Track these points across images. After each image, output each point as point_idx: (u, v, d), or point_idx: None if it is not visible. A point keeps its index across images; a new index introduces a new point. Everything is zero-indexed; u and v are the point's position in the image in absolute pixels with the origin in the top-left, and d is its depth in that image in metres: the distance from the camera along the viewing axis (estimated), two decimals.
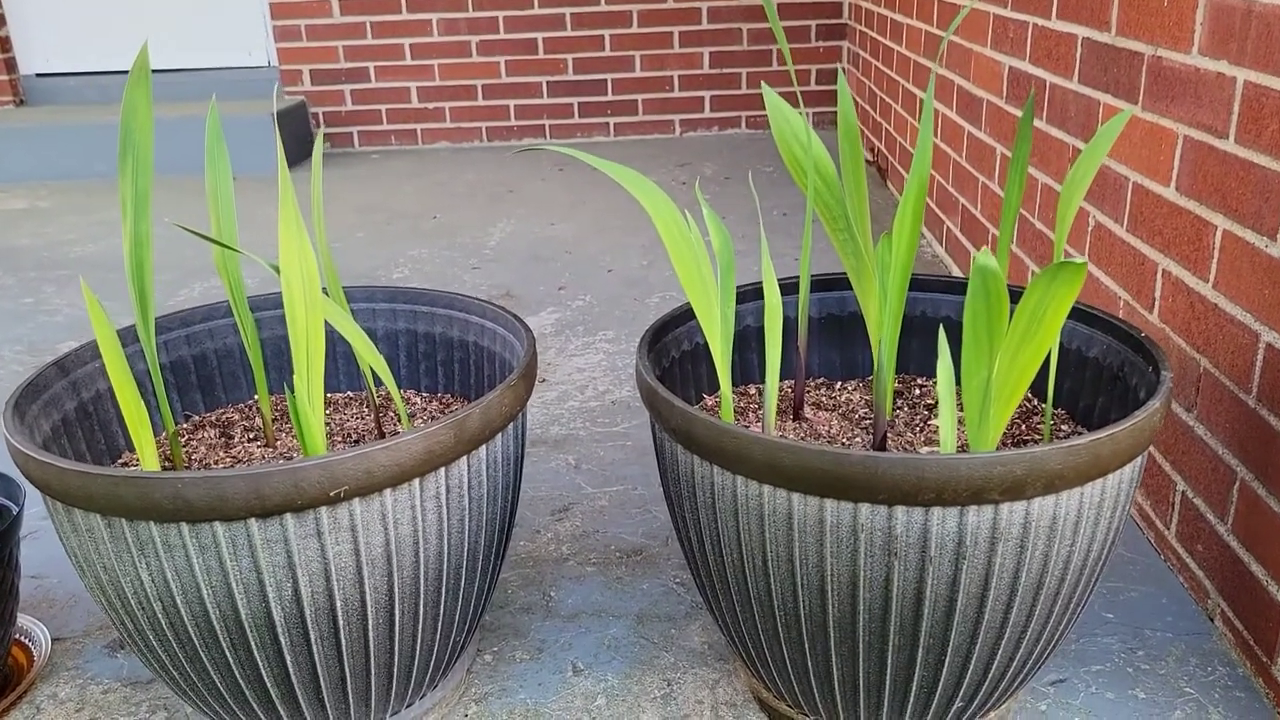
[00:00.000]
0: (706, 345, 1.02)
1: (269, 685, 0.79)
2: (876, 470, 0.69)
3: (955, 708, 0.82)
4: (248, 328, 0.95)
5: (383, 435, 0.97)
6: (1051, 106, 1.48)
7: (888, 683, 0.79)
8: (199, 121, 3.10)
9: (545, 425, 1.50)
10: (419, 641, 0.83)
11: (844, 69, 3.41)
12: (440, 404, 1.06)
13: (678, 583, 1.12)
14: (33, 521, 1.28)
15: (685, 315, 1.00)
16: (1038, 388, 1.01)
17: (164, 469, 0.94)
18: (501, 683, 0.97)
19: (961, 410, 0.95)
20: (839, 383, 1.09)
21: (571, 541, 1.20)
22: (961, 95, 1.98)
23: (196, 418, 1.04)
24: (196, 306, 1.03)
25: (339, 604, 0.76)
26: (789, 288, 1.05)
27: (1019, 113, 1.63)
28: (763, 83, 1.01)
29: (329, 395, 1.09)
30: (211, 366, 1.04)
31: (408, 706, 0.89)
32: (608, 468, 1.37)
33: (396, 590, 0.79)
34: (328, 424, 1.03)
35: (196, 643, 0.76)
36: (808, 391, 1.07)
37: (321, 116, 3.45)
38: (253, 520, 0.71)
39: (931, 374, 1.08)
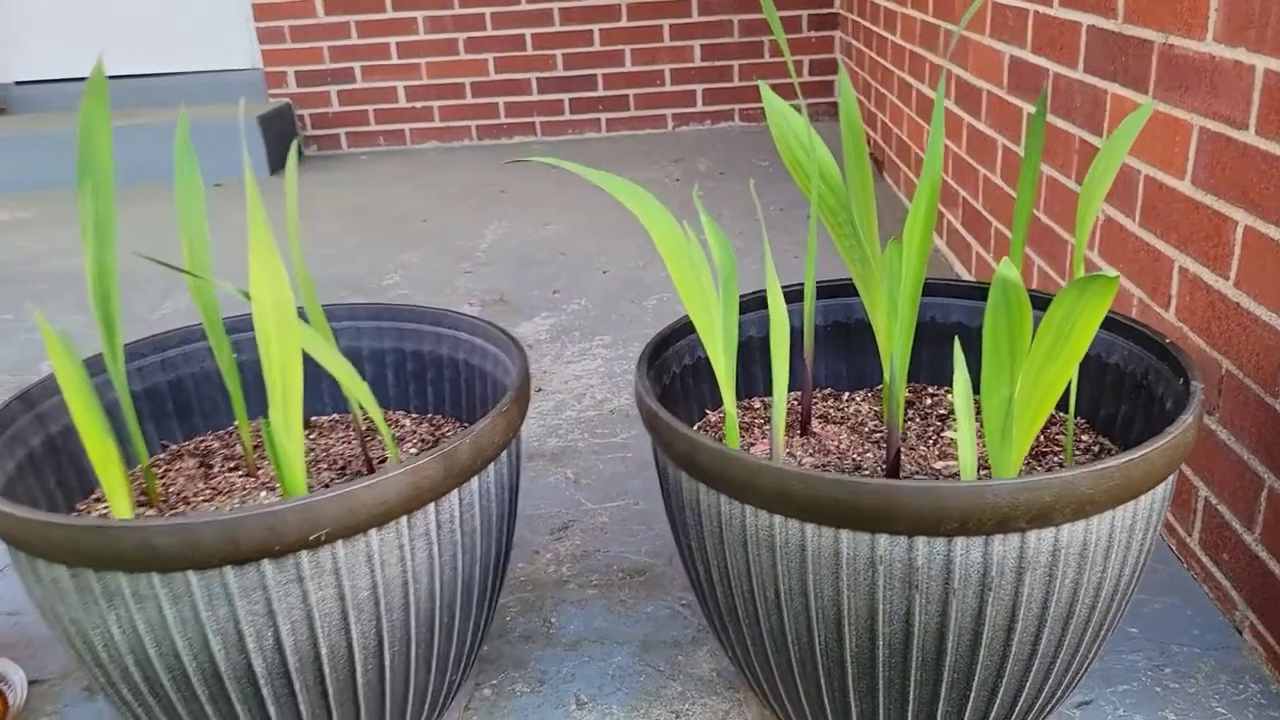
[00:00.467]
0: (708, 359, 0.97)
1: None
2: (896, 500, 0.64)
3: None
4: (224, 354, 0.90)
5: (369, 462, 0.92)
6: (1056, 97, 1.43)
7: (909, 718, 0.75)
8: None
9: (542, 437, 1.45)
10: (411, 685, 0.79)
11: (841, 60, 3.36)
12: (431, 426, 1.01)
13: (683, 604, 1.07)
14: (7, 555, 1.23)
15: (685, 328, 0.95)
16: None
17: (140, 503, 0.89)
18: (501, 719, 0.93)
19: (980, 428, 0.91)
20: (846, 393, 1.04)
21: (572, 562, 1.16)
22: (960, 85, 1.93)
23: (174, 447, 0.99)
24: (171, 330, 0.98)
25: (324, 651, 0.72)
26: (792, 295, 1.00)
27: (1020, 102, 1.59)
28: (759, 80, 0.96)
29: (313, 419, 1.04)
30: (189, 392, 0.99)
31: None
32: (608, 482, 1.33)
33: (385, 634, 0.74)
34: (311, 450, 0.98)
35: (173, 696, 0.72)
36: (815, 403, 1.02)
37: (308, 119, 3.39)
38: (228, 568, 0.67)
39: (943, 382, 1.04)
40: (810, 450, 0.93)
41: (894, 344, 0.81)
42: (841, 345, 1.04)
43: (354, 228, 2.56)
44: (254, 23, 3.30)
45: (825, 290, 1.03)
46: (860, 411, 1.00)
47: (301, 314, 0.94)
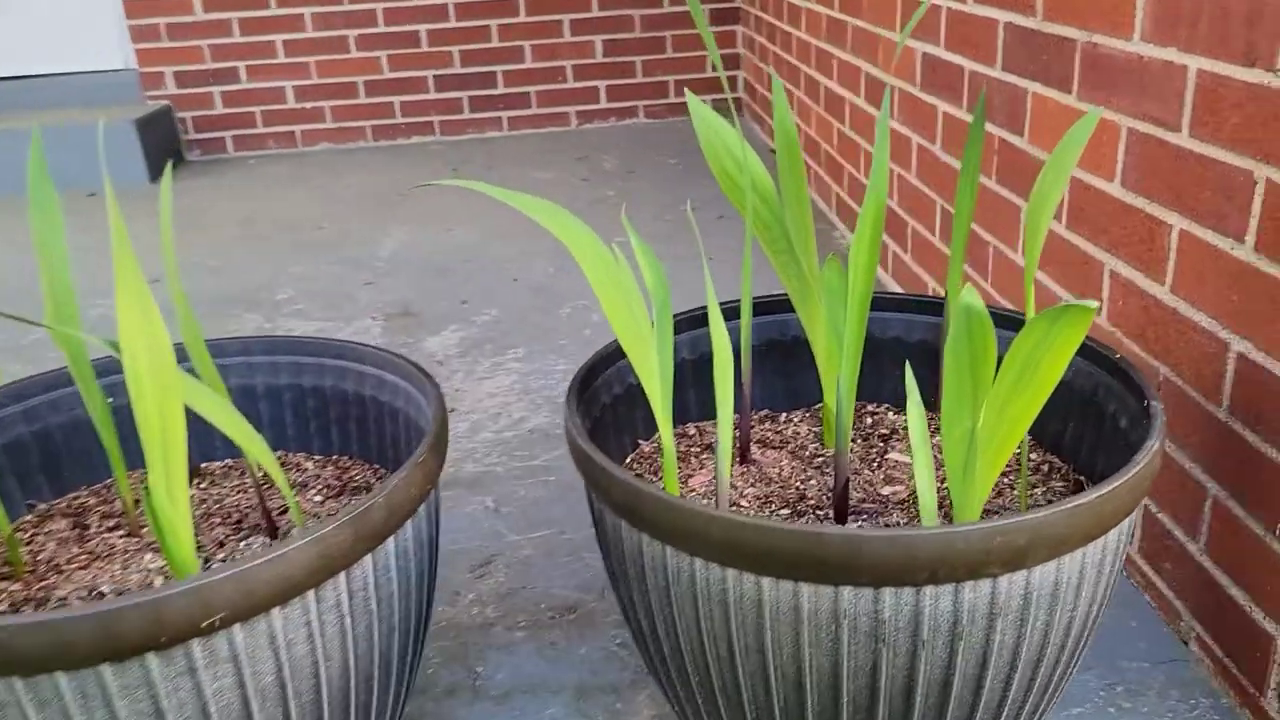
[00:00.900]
0: (639, 385, 0.90)
1: None
2: (860, 550, 0.59)
3: None
4: (95, 401, 0.80)
5: (268, 514, 0.83)
6: (972, 95, 1.41)
7: None
8: (51, 132, 2.83)
9: (458, 463, 1.37)
10: None
11: (744, 54, 3.34)
12: (336, 469, 0.92)
13: (619, 644, 1.01)
14: None
15: (613, 354, 0.88)
16: None
17: (1, 576, 0.78)
18: None
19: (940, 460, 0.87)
20: (784, 414, 0.99)
21: (497, 602, 1.08)
22: (870, 82, 1.91)
23: (43, 507, 0.88)
24: (33, 376, 0.87)
25: None
26: (727, 313, 0.95)
27: (935, 101, 1.56)
28: (687, 91, 0.90)
29: (203, 465, 0.94)
30: (57, 444, 0.88)
31: None
32: (530, 509, 1.25)
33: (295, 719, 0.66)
34: (203, 501, 0.88)
35: None
36: (752, 426, 0.97)
37: (190, 121, 3.20)
38: (105, 666, 0.57)
39: (881, 399, 0.99)
40: (751, 480, 0.87)
41: (839, 366, 0.76)
42: (778, 364, 0.99)
43: (243, 237, 2.41)
44: (125, 20, 3.09)
45: (760, 307, 0.97)
46: (800, 434, 0.95)
47: (182, 352, 0.84)
